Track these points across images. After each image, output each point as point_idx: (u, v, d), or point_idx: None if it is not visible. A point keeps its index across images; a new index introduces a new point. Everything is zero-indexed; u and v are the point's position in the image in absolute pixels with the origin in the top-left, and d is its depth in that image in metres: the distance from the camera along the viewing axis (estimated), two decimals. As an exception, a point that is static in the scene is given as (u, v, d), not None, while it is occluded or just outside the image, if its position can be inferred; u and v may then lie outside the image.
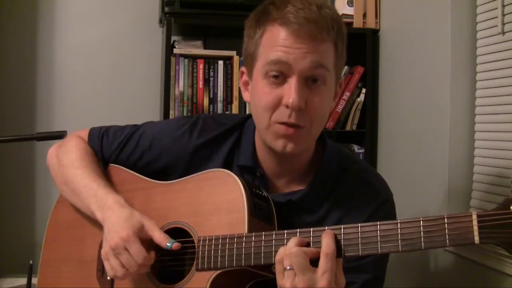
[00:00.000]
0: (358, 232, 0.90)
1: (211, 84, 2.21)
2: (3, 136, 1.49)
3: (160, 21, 2.33)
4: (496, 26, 1.53)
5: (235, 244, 1.00)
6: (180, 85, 2.18)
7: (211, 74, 2.21)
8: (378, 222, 0.89)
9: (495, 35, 1.55)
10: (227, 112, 2.21)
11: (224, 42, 2.27)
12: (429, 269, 1.80)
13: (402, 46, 2.09)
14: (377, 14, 2.28)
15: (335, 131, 2.30)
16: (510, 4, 1.49)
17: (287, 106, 1.04)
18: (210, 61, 2.21)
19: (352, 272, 1.05)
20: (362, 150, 2.27)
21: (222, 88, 2.21)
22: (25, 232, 2.35)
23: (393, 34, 2.19)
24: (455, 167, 1.69)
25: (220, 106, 2.21)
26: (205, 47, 2.29)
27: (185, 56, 2.19)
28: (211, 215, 1.07)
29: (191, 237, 1.08)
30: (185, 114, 2.18)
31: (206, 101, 2.21)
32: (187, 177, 1.16)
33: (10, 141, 1.52)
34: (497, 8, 1.53)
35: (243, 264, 0.99)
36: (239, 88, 1.21)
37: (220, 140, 1.22)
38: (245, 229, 1.01)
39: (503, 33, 1.52)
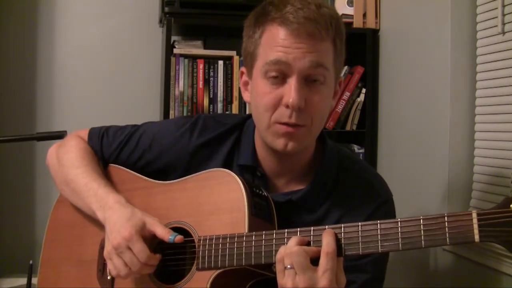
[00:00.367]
0: (358, 231, 0.90)
1: (211, 84, 2.21)
2: (3, 136, 1.49)
3: (160, 21, 2.33)
4: (496, 26, 1.53)
5: (235, 243, 1.00)
6: (180, 85, 2.18)
7: (211, 74, 2.21)
8: (379, 221, 0.89)
9: (495, 35, 1.55)
10: (227, 112, 2.21)
11: (224, 42, 2.27)
12: (429, 269, 1.80)
13: (402, 46, 2.09)
14: (377, 14, 2.28)
15: (335, 131, 2.30)
16: (510, 4, 1.49)
17: (287, 106, 1.04)
18: (210, 61, 2.21)
19: (352, 271, 1.05)
20: (362, 150, 2.27)
21: (222, 88, 2.22)
22: (25, 232, 2.35)
23: (393, 34, 2.19)
24: (455, 167, 1.69)
25: (220, 106, 2.21)
26: (205, 47, 2.29)
27: (185, 56, 2.19)
28: (211, 214, 1.07)
29: (192, 236, 1.08)
30: (185, 114, 2.18)
31: (206, 101, 2.21)
32: (187, 177, 1.16)
33: (10, 141, 1.52)
34: (497, 8, 1.53)
35: (243, 264, 0.99)
36: (239, 88, 1.21)
37: (220, 140, 1.22)
38: (245, 229, 1.01)
39: (503, 33, 1.52)
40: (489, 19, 1.58)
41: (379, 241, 0.88)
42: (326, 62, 1.06)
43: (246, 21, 1.14)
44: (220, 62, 2.21)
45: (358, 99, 2.27)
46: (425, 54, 1.87)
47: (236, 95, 2.21)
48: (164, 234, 1.06)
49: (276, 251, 0.93)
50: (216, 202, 1.08)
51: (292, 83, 1.04)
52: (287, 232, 0.96)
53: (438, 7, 1.78)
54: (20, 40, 2.40)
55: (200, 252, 1.05)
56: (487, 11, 1.60)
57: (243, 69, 1.18)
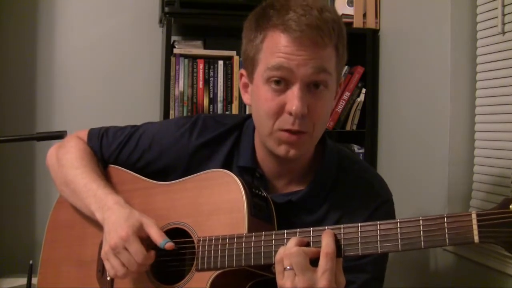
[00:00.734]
0: (358, 232, 0.90)
1: (211, 84, 2.21)
2: (3, 136, 1.49)
3: (160, 21, 2.33)
4: (496, 26, 1.53)
5: (235, 244, 1.00)
6: (180, 85, 2.18)
7: (211, 74, 2.21)
8: (378, 222, 0.89)
9: (495, 35, 1.55)
10: (227, 112, 2.21)
11: (224, 42, 2.26)
12: (429, 269, 1.80)
13: (402, 46, 2.09)
14: (377, 14, 2.28)
15: (335, 131, 2.30)
16: (510, 4, 1.49)
17: (290, 113, 1.04)
18: (210, 61, 2.21)
19: (352, 272, 1.05)
20: (362, 150, 2.27)
21: (222, 88, 2.21)
22: (25, 232, 2.35)
23: (393, 34, 2.19)
24: (455, 167, 1.69)
25: (220, 106, 2.21)
26: (205, 47, 2.28)
27: (185, 56, 2.19)
28: (211, 215, 1.07)
29: (191, 237, 1.08)
30: (185, 114, 2.18)
31: (206, 101, 2.21)
32: (187, 177, 1.16)
33: (10, 141, 1.52)
34: (497, 8, 1.53)
35: (243, 264, 0.99)
36: (239, 88, 1.21)
37: (219, 140, 1.22)
38: (245, 229, 1.01)
39: (503, 33, 1.52)
40: (489, 19, 1.58)
41: (379, 242, 0.88)
42: (329, 67, 1.05)
43: (246, 23, 1.13)
44: (220, 62, 2.21)
45: (358, 99, 2.27)
46: (425, 54, 1.87)
47: (236, 95, 2.21)
48: (157, 238, 1.06)
49: (276, 251, 0.93)
50: (215, 203, 1.08)
51: (295, 90, 1.03)
52: (287, 232, 0.96)
53: (438, 7, 1.78)
54: (20, 40, 2.40)
55: (200, 252, 1.05)
56: (487, 11, 1.59)
57: (242, 71, 1.17)
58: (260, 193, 1.09)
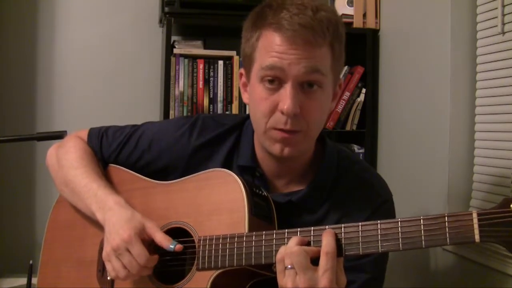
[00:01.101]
0: (358, 231, 0.90)
1: (211, 84, 2.21)
2: (3, 136, 1.49)
3: (160, 21, 2.33)
4: (496, 26, 1.53)
5: (235, 243, 1.00)
6: (180, 85, 2.18)
7: (211, 74, 2.21)
8: (379, 221, 0.89)
9: (495, 35, 1.55)
10: (227, 112, 2.21)
11: (224, 42, 2.26)
12: (429, 269, 1.80)
13: (402, 46, 2.09)
14: (377, 14, 2.28)
15: (335, 131, 2.30)
16: (510, 4, 1.49)
17: (282, 112, 1.04)
18: (210, 61, 2.21)
19: (352, 271, 1.05)
20: (362, 150, 2.27)
21: (222, 88, 2.22)
22: (25, 232, 2.35)
23: (393, 34, 2.19)
24: (455, 167, 1.69)
25: (220, 106, 2.21)
26: (205, 47, 2.29)
27: (185, 56, 2.19)
28: (211, 214, 1.07)
29: (192, 237, 1.08)
30: (185, 114, 2.18)
31: (206, 101, 2.21)
32: (187, 177, 1.16)
33: (10, 141, 1.52)
34: (497, 8, 1.53)
35: (243, 264, 0.99)
36: (239, 88, 1.21)
37: (219, 140, 1.22)
38: (245, 229, 1.01)
39: (503, 33, 1.52)
40: (489, 19, 1.58)
41: (379, 241, 0.88)
42: (323, 67, 1.05)
43: (244, 22, 1.14)
44: (220, 62, 2.21)
45: (358, 99, 2.27)
46: (425, 54, 1.87)
47: (236, 95, 2.21)
48: (164, 241, 1.06)
49: (276, 251, 0.93)
50: (216, 202, 1.08)
51: (287, 89, 1.03)
52: (287, 232, 0.96)
53: (438, 7, 1.78)
54: (20, 40, 2.40)
55: (200, 252, 1.05)
56: (487, 11, 1.60)
57: (242, 70, 1.18)
58: (260, 192, 1.09)
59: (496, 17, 1.53)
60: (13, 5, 2.39)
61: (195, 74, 2.20)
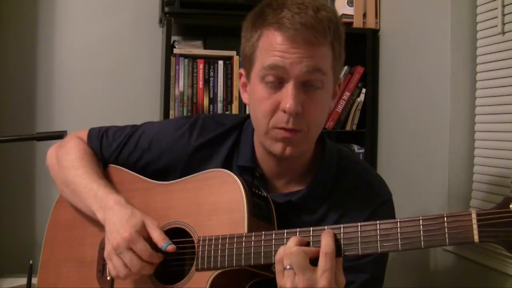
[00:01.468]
0: (358, 232, 0.90)
1: (211, 84, 2.21)
2: (3, 136, 1.49)
3: (160, 21, 2.33)
4: (496, 26, 1.53)
5: (235, 244, 1.00)
6: (180, 85, 2.18)
7: (211, 74, 2.21)
8: (378, 222, 0.89)
9: (495, 35, 1.55)
10: (227, 112, 2.21)
11: (224, 42, 2.26)
12: (429, 269, 1.80)
13: (402, 46, 2.09)
14: (377, 14, 2.28)
15: (335, 131, 2.30)
16: (510, 4, 1.49)
17: (284, 111, 1.04)
18: (210, 61, 2.21)
19: (351, 271, 1.05)
20: (362, 150, 2.27)
21: (222, 88, 2.22)
22: (25, 232, 2.35)
23: (393, 34, 2.19)
24: (455, 167, 1.69)
25: (220, 106, 2.21)
26: (205, 47, 2.29)
27: (185, 56, 2.19)
28: (211, 215, 1.07)
29: (191, 237, 1.08)
30: (185, 114, 2.18)
31: (206, 101, 2.21)
32: (187, 177, 1.16)
33: (10, 141, 1.52)
34: (497, 8, 1.53)
35: (243, 264, 0.99)
36: (239, 88, 1.21)
37: (219, 140, 1.22)
38: (245, 229, 1.01)
39: (503, 33, 1.52)
40: (489, 19, 1.58)
41: (379, 242, 0.88)
42: (324, 66, 1.05)
43: (244, 22, 1.14)
44: (220, 62, 2.21)
45: (358, 99, 2.27)
46: (425, 54, 1.87)
47: (236, 95, 2.21)
48: (159, 240, 1.06)
49: (276, 251, 0.93)
50: (215, 203, 1.08)
51: (289, 88, 1.03)
52: (287, 232, 0.96)
53: (438, 7, 1.78)
54: (20, 40, 2.40)
55: (200, 252, 1.05)
56: (487, 11, 1.60)
57: (241, 70, 1.18)
58: (260, 192, 1.09)
59: (496, 17, 1.53)
60: (13, 5, 2.39)
61: (195, 74, 2.20)
